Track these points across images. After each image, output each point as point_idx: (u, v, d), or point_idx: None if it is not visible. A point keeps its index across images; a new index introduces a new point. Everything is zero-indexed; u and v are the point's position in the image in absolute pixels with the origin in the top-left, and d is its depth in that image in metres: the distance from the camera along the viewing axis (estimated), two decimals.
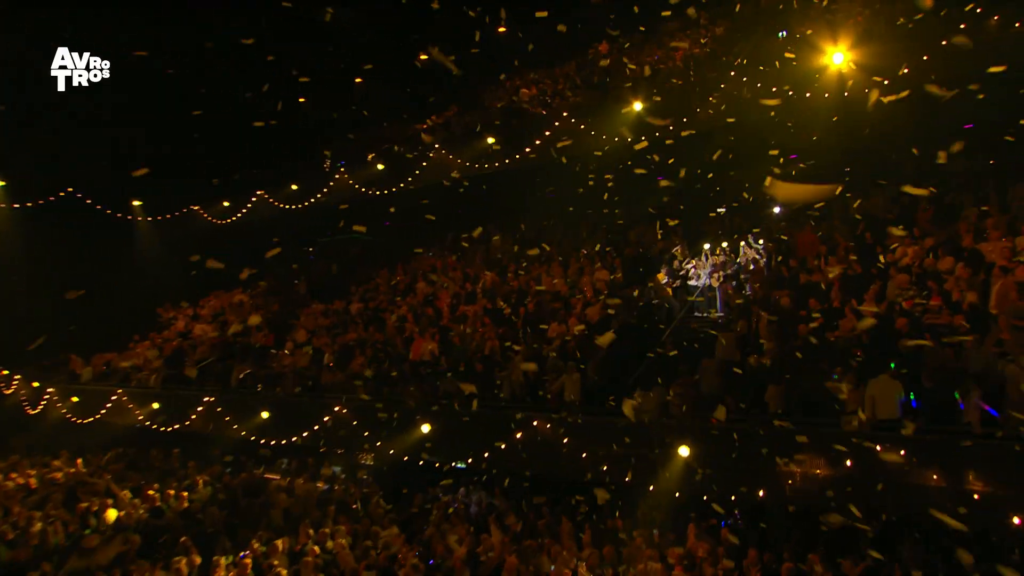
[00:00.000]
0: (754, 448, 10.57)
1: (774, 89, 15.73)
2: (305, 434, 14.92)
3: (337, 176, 21.36)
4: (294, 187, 21.59)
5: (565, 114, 18.56)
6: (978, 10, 14.16)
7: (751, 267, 15.09)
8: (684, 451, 10.86)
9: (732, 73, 16.69)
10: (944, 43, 14.41)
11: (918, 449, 9.34)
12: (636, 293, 15.32)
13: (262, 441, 15.39)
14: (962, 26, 14.22)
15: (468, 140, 19.78)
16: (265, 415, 15.38)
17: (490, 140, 19.06)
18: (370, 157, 21.00)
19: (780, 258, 14.67)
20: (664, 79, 17.80)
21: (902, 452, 9.34)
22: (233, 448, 16.54)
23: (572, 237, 19.62)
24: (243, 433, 15.67)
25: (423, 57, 21.60)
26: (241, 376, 16.85)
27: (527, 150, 18.23)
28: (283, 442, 15.28)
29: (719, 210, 19.02)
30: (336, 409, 14.73)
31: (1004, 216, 13.40)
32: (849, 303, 12.52)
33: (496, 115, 19.91)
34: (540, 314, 15.78)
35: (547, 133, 17.98)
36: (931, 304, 11.38)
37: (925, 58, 14.45)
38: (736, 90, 16.56)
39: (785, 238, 15.72)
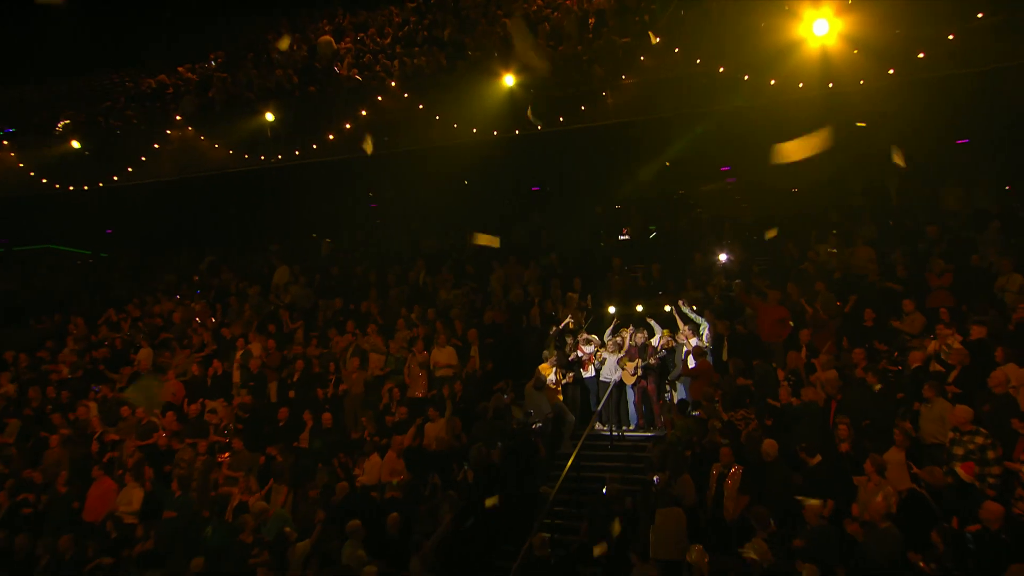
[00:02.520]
0: None
1: (720, 70, 11.39)
2: None
3: None
4: None
5: (393, 84, 12.95)
6: None
7: (690, 359, 10.31)
8: None
9: (656, 40, 12.05)
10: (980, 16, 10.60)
11: None
12: (507, 399, 10.06)
13: None
14: None
15: (235, 115, 14.00)
16: None
17: (269, 117, 13.01)
18: (60, 126, 13.85)
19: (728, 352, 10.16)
20: (551, 39, 12.78)
21: None
22: None
23: (398, 281, 14.01)
24: None
25: None
26: None
27: (329, 137, 13.38)
28: None
29: (622, 236, 15.07)
30: None
31: None
32: (865, 447, 8.07)
33: (283, 79, 13.84)
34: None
35: (363, 112, 13.30)
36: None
37: (951, 37, 10.59)
38: (663, 69, 12.01)
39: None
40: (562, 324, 11.10)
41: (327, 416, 10.42)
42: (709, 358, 10.48)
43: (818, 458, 7.94)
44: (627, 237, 15.29)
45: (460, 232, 15.37)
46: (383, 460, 9.49)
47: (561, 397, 10.54)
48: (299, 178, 14.37)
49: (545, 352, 10.59)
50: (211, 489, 9.61)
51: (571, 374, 10.78)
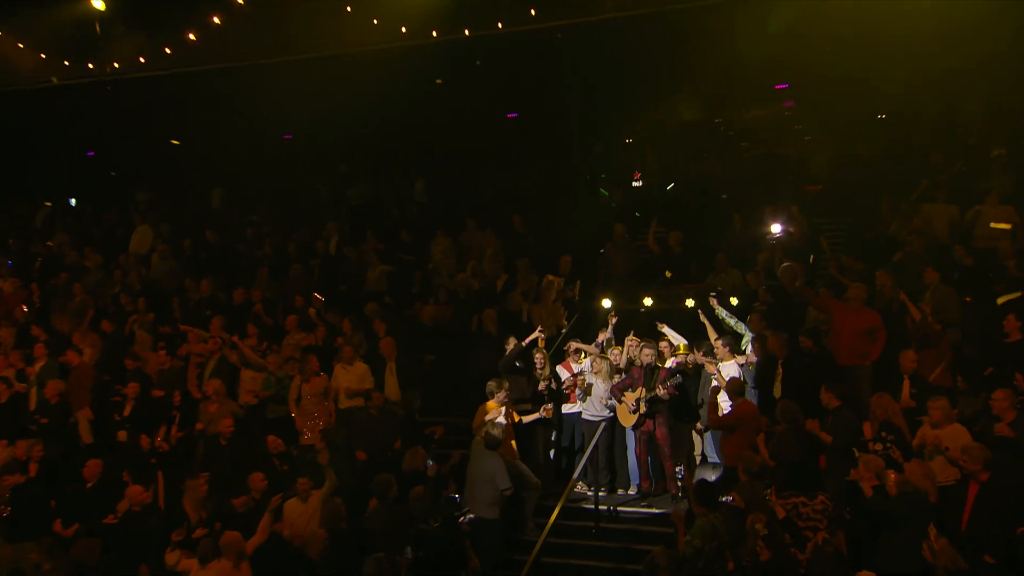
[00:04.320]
0: None
1: None
2: None
3: None
4: None
5: None
6: None
7: (721, 399, 7.06)
8: None
9: None
10: None
11: None
12: (431, 467, 6.95)
13: None
14: None
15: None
16: None
17: (99, 4, 9.89)
18: None
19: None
20: None
21: None
22: None
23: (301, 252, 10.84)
24: None
25: None
26: None
27: (188, 36, 10.62)
28: None
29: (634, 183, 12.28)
30: None
31: None
32: None
33: None
34: None
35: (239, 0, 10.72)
36: None
37: None
38: None
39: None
40: (527, 338, 7.78)
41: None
42: (751, 394, 7.21)
43: None
44: (640, 184, 12.06)
45: (404, 179, 12.07)
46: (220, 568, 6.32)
47: (517, 452, 7.33)
48: (164, 97, 11.07)
49: (491, 383, 7.31)
50: None
51: (543, 409, 7.59)
